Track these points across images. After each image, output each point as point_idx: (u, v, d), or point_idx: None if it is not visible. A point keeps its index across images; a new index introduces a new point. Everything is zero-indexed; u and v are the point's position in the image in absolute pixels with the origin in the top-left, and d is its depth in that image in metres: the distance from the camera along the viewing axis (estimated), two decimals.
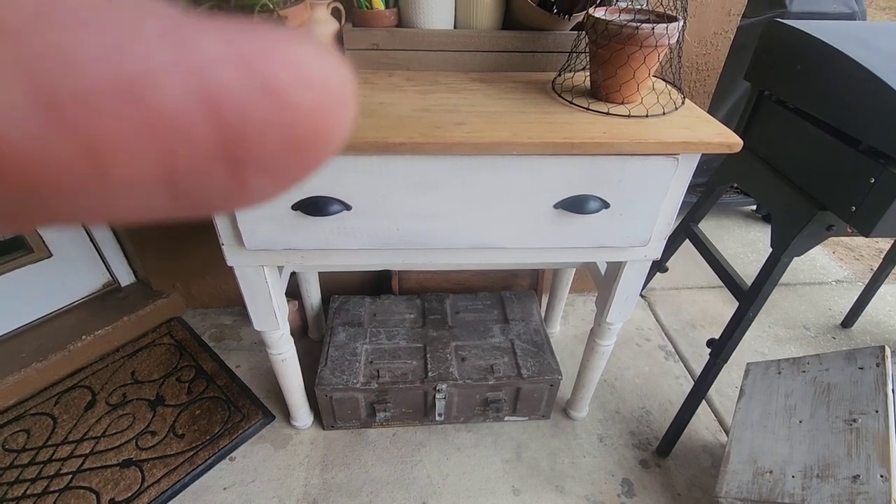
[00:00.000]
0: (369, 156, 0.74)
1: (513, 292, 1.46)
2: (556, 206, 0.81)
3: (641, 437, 1.30)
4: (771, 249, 0.97)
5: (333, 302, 1.40)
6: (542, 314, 1.58)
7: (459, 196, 0.79)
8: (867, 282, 1.59)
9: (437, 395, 1.19)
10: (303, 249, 0.86)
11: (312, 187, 0.77)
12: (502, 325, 1.34)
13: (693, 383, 1.45)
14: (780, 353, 1.56)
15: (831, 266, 1.99)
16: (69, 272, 1.41)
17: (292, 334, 1.52)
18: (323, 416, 1.24)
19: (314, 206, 0.78)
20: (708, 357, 1.11)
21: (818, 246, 2.19)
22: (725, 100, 1.71)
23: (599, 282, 1.10)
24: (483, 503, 1.14)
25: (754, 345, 1.58)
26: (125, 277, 1.53)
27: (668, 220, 0.87)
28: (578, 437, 1.29)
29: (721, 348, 1.07)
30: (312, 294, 1.41)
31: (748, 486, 0.90)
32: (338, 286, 1.51)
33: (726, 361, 1.08)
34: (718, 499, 0.92)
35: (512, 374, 1.20)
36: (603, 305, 1.06)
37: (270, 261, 0.89)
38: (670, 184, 0.80)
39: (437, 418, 1.23)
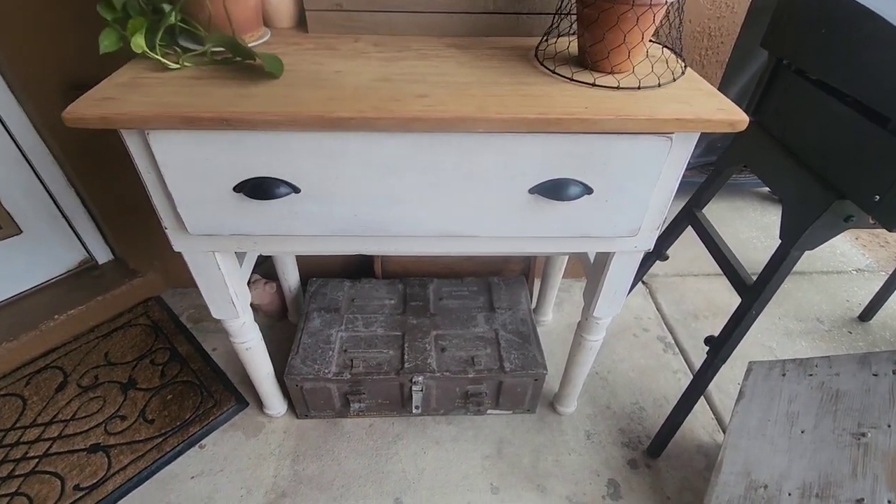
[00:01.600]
0: (316, 132, 0.65)
1: (501, 278, 1.37)
2: (532, 191, 0.71)
3: (632, 435, 1.23)
4: (780, 241, 0.86)
5: (311, 285, 1.33)
6: (535, 301, 1.50)
7: (422, 179, 0.70)
8: (891, 272, 1.47)
9: (414, 388, 1.12)
10: (254, 235, 0.78)
11: (254, 167, 0.68)
12: (487, 314, 1.26)
13: (692, 378, 1.37)
14: (790, 347, 1.46)
15: (853, 254, 1.86)
16: (41, 249, 1.36)
17: (271, 317, 1.47)
18: (295, 405, 1.19)
19: (258, 189, 0.70)
20: (706, 354, 1.02)
21: None
22: (743, 70, 1.56)
23: (588, 271, 1.00)
24: (459, 501, 1.09)
25: (761, 338, 1.48)
26: (102, 255, 1.47)
27: (661, 207, 0.77)
28: (564, 434, 1.22)
29: (720, 347, 0.97)
30: (290, 276, 1.35)
31: (739, 502, 0.83)
32: (317, 268, 1.44)
33: (725, 361, 0.99)
34: None
35: (494, 367, 1.13)
36: (590, 298, 0.97)
37: (220, 246, 0.82)
38: (663, 167, 0.70)
39: (415, 411, 1.17)
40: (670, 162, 0.71)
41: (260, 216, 0.74)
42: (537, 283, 1.51)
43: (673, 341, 1.47)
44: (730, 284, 1.65)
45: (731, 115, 0.65)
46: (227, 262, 0.87)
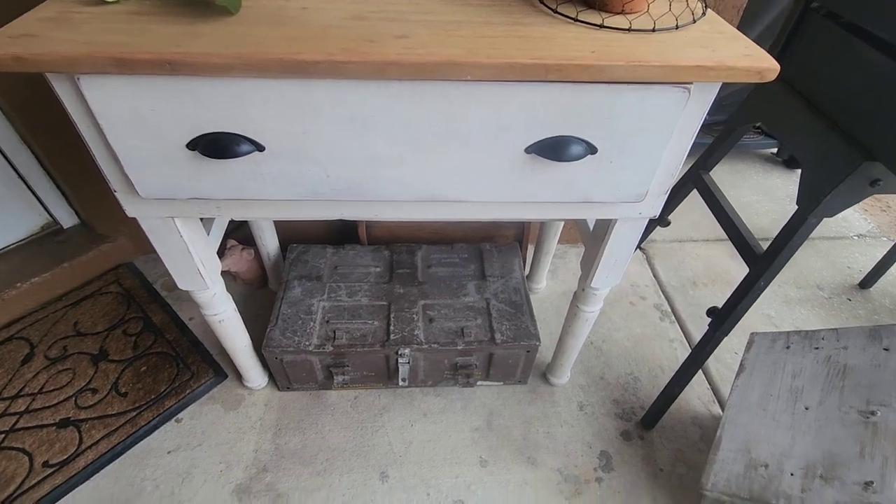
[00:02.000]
0: (278, 79, 0.56)
1: (494, 244, 1.30)
2: (528, 150, 0.63)
3: (626, 406, 1.19)
4: (796, 206, 0.79)
5: (291, 252, 1.25)
6: (528, 268, 1.44)
7: (402, 136, 0.62)
8: (895, 238, 1.41)
9: (400, 360, 1.07)
10: (215, 199, 0.70)
11: (210, 121, 0.59)
12: (478, 283, 1.19)
13: (689, 348, 1.33)
14: (789, 315, 1.42)
15: (854, 218, 1.80)
16: None
17: (251, 285, 1.40)
18: (276, 378, 1.13)
19: (214, 146, 0.61)
20: (707, 327, 0.97)
21: None
22: (759, 18, 1.44)
23: (586, 239, 0.93)
24: (447, 474, 1.06)
25: (760, 306, 1.44)
26: (66, 219, 1.38)
27: (671, 170, 0.69)
28: (557, 405, 1.19)
29: (723, 319, 0.92)
30: (268, 242, 1.26)
31: (738, 480, 0.79)
32: (298, 233, 1.36)
33: (727, 334, 0.94)
34: (704, 491, 0.81)
35: (484, 339, 1.08)
36: (588, 267, 0.91)
37: (178, 212, 0.73)
38: (677, 123, 0.61)
39: (401, 383, 1.12)
40: (686, 117, 0.62)
41: (220, 177, 0.66)
42: (531, 249, 1.44)
43: (670, 309, 1.42)
44: (730, 250, 1.59)
45: (760, 63, 0.56)
46: (191, 228, 0.79)
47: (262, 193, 0.68)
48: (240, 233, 1.42)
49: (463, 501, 1.02)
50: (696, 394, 1.22)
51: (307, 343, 1.05)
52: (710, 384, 1.25)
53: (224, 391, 1.17)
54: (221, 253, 1.26)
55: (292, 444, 1.09)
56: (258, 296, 1.39)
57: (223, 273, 1.34)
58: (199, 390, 1.15)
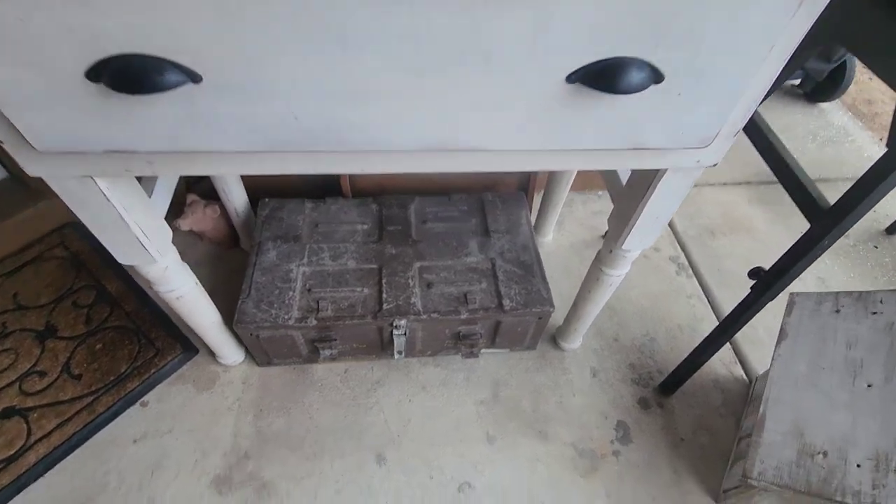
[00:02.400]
0: None
1: (496, 194, 1.13)
2: (571, 78, 0.46)
3: (642, 371, 1.09)
4: (886, 148, 0.64)
5: (262, 208, 1.07)
6: (533, 219, 1.29)
7: (400, 59, 0.43)
8: None
9: (395, 332, 0.93)
10: (142, 151, 0.51)
11: (115, 38, 0.40)
12: (481, 239, 1.04)
13: (707, 304, 1.22)
14: (815, 267, 1.31)
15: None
16: None
17: (220, 245, 1.23)
18: (254, 354, 1.00)
19: (126, 76, 0.42)
20: (750, 289, 0.84)
21: (866, 132, 1.84)
22: None
23: (616, 192, 0.78)
24: (450, 453, 0.96)
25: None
26: None
27: (753, 100, 0.53)
28: (568, 372, 1.08)
29: (772, 282, 0.79)
30: (234, 196, 1.08)
31: (791, 469, 0.70)
32: (269, 185, 1.17)
33: (773, 299, 0.82)
34: (750, 480, 0.72)
35: (490, 306, 0.94)
36: (621, 227, 0.76)
37: (96, 169, 0.55)
38: (783, 32, 0.44)
39: (397, 356, 0.99)
40: (793, 27, 0.45)
41: (143, 121, 0.47)
42: (537, 199, 1.28)
43: (687, 262, 1.30)
44: (748, 194, 1.45)
45: None
46: (122, 190, 0.61)
47: (205, 143, 0.50)
48: (203, 185, 1.23)
49: (470, 483, 0.92)
50: (717, 355, 1.12)
51: (286, 316, 0.90)
52: (731, 344, 1.15)
53: (195, 369, 1.03)
54: (180, 210, 1.08)
55: (276, 426, 0.97)
56: (228, 257, 1.22)
57: (188, 233, 1.16)
58: (166, 369, 1.01)
